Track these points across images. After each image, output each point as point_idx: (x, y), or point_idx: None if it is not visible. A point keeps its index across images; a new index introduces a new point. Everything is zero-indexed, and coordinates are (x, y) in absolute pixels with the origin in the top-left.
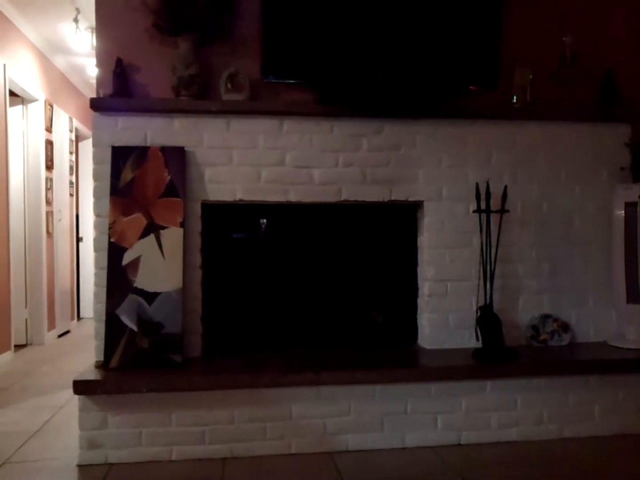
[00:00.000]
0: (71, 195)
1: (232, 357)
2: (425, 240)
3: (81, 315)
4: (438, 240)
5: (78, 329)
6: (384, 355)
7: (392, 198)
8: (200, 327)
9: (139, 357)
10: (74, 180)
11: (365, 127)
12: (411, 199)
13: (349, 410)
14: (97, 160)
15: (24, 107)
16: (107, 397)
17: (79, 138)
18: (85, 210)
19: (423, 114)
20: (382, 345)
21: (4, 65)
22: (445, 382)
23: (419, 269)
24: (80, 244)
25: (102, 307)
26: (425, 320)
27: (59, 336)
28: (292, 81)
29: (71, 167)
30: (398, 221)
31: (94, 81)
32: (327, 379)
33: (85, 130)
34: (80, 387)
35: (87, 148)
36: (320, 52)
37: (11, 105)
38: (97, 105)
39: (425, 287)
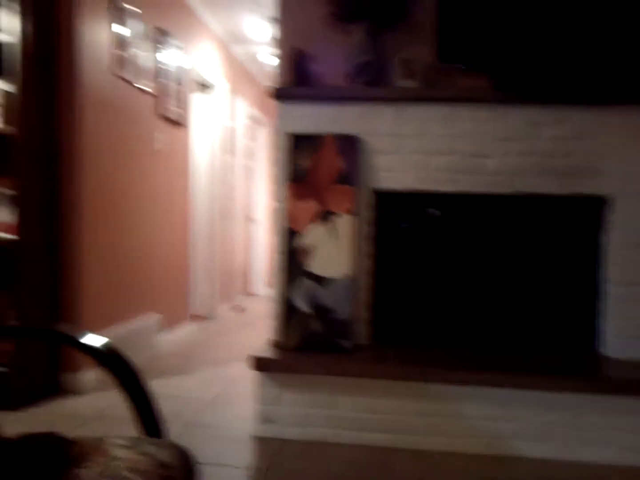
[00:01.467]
0: (247, 178)
1: (400, 348)
2: (613, 238)
3: (253, 292)
4: (628, 239)
5: (250, 305)
6: (562, 362)
7: (574, 191)
8: (368, 315)
9: (311, 339)
10: (250, 164)
11: (544, 114)
12: (597, 193)
13: (521, 416)
14: (278, 148)
15: (208, 95)
16: (281, 376)
17: (254, 124)
18: (258, 194)
19: (613, 101)
20: (558, 350)
21: (191, 56)
22: (631, 396)
23: (603, 270)
24: (252, 225)
25: (279, 288)
26: (609, 327)
27: (233, 311)
28: (466, 67)
29: (248, 152)
30: (578, 217)
31: (269, 69)
32: (502, 381)
33: (259, 116)
34: (258, 363)
35: (260, 134)
36: (497, 36)
37: (197, 93)
38: (278, 94)
39: (610, 290)
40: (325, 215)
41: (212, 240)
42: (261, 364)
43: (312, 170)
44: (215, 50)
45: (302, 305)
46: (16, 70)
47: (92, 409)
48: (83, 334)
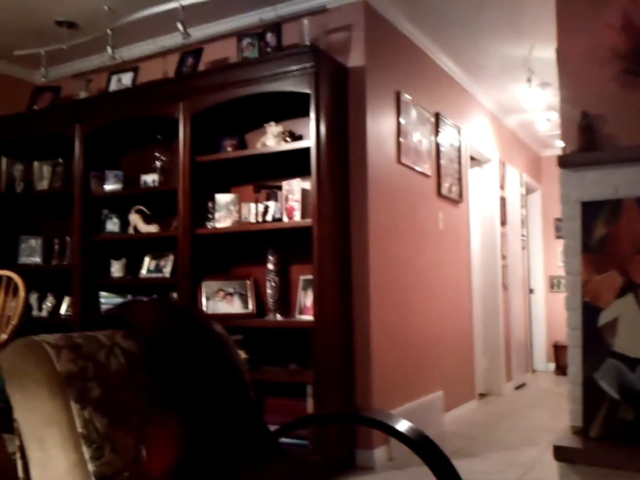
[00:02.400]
0: (523, 248)
1: None
2: None
3: (534, 368)
4: None
5: (533, 382)
6: None
7: None
8: None
9: (621, 429)
10: (524, 233)
11: None
12: None
13: None
14: (566, 217)
15: (480, 168)
16: (587, 468)
17: (525, 191)
18: (534, 262)
19: None
20: None
21: (464, 132)
22: None
23: None
24: (531, 296)
25: (577, 369)
26: None
27: (516, 388)
28: None
29: (522, 221)
30: None
31: (541, 134)
32: None
33: (532, 183)
34: (560, 453)
35: (534, 201)
36: None
37: (471, 168)
38: (564, 161)
39: None
40: (630, 288)
41: (494, 314)
42: (563, 454)
43: (611, 239)
44: (487, 124)
45: (608, 388)
46: (312, 169)
47: None
48: (392, 419)
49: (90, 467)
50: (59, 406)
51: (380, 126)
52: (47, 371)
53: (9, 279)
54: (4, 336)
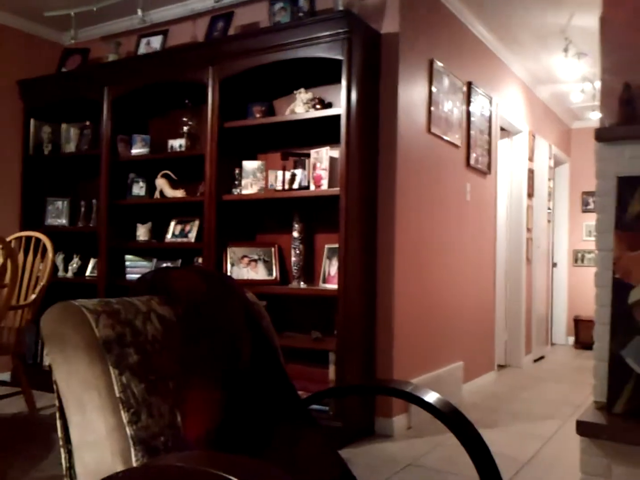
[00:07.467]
0: (548, 221)
1: None
2: None
3: (553, 341)
4: None
5: (551, 355)
6: None
7: None
8: None
9: None
10: (550, 206)
11: None
12: None
13: None
14: (600, 192)
15: (510, 139)
16: (611, 444)
17: (555, 164)
18: (559, 236)
19: None
20: None
21: (495, 102)
22: None
23: None
24: (554, 269)
25: (603, 345)
26: None
27: (535, 361)
28: None
29: (549, 194)
30: None
31: (573, 106)
32: None
33: (561, 155)
34: (583, 428)
35: (561, 174)
36: None
37: (500, 139)
38: (601, 135)
39: None
40: None
41: (517, 287)
42: (587, 429)
43: None
44: (519, 94)
45: (635, 366)
46: (342, 137)
47: (407, 456)
48: (420, 390)
49: (129, 431)
50: (99, 371)
51: (411, 94)
52: (87, 336)
53: (38, 240)
54: (33, 296)
